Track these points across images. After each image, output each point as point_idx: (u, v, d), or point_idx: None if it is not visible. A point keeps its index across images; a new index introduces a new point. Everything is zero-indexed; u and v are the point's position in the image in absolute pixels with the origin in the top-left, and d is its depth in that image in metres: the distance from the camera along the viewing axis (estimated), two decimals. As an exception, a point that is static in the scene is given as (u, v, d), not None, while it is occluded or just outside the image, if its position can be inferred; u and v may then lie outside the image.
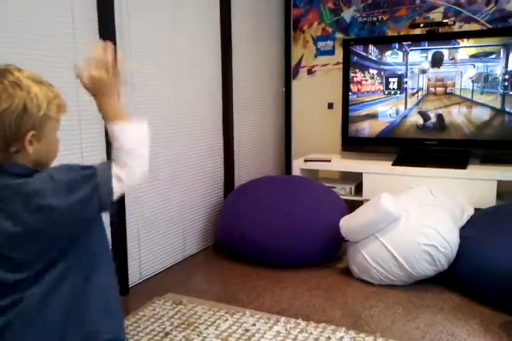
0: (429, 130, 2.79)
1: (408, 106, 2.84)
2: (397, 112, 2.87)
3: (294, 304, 1.98)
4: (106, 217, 1.95)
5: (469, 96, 2.67)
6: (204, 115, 2.61)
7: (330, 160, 2.94)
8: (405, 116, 2.85)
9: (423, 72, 2.77)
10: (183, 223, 2.49)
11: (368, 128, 2.95)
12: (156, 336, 1.70)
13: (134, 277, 2.16)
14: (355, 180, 2.90)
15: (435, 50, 2.73)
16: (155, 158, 2.23)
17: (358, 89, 2.95)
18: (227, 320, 1.83)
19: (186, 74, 2.43)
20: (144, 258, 2.22)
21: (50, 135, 0.88)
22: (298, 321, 1.82)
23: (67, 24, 1.75)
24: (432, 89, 2.76)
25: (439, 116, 2.76)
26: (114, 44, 1.90)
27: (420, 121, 2.81)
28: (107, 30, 1.87)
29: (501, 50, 2.57)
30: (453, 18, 2.88)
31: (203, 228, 2.67)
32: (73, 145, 1.81)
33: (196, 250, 2.62)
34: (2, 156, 0.84)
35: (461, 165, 2.61)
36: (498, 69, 2.58)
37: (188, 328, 1.76)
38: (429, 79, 2.76)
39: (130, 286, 2.13)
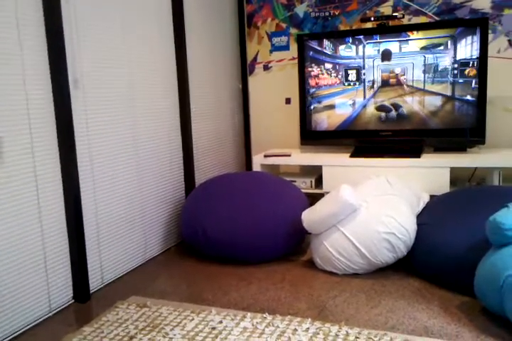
0: (385, 121, 2.85)
1: (364, 98, 2.89)
2: (353, 105, 2.92)
3: (260, 299, 1.99)
4: (62, 221, 1.90)
5: (421, 86, 2.75)
6: (161, 114, 2.57)
7: (290, 155, 2.96)
8: (361, 109, 2.90)
9: (377, 65, 2.83)
10: (143, 224, 2.45)
11: (325, 122, 2.99)
12: (121, 340, 1.67)
13: (95, 282, 2.11)
14: (316, 173, 2.94)
15: (384, 47, 2.79)
16: (113, 159, 2.18)
17: (316, 83, 2.98)
18: (193, 319, 1.82)
19: (139, 75, 2.39)
20: (105, 262, 2.17)
21: None
22: (264, 315, 1.83)
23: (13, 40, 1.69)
24: (386, 81, 2.83)
25: (394, 107, 2.83)
26: (61, 27, 1.85)
27: (376, 112, 2.87)
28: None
29: (449, 41, 2.65)
30: (402, 12, 2.95)
31: (165, 228, 2.64)
32: (22, 125, 1.75)
33: (159, 251, 2.59)
34: None
35: (416, 154, 2.69)
36: (447, 60, 2.67)
37: (153, 330, 1.74)
38: (382, 72, 2.83)
39: (91, 292, 2.08)
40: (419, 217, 2.25)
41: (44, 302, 1.86)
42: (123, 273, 2.30)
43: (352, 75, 2.90)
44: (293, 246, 2.43)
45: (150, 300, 1.98)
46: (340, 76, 2.92)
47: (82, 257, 1.99)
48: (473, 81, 2.62)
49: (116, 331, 1.73)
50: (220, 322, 1.80)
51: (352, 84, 2.91)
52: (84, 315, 1.89)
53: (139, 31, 2.38)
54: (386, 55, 2.80)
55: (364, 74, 2.87)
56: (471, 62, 2.62)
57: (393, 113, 2.83)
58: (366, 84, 2.87)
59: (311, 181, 2.89)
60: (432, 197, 2.43)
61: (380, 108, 2.87)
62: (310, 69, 2.97)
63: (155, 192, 2.53)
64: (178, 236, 2.75)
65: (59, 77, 1.85)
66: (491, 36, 2.73)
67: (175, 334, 1.71)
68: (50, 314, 1.89)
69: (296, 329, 1.73)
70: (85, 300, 2.00)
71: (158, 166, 2.55)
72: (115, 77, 2.21)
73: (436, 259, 2.02)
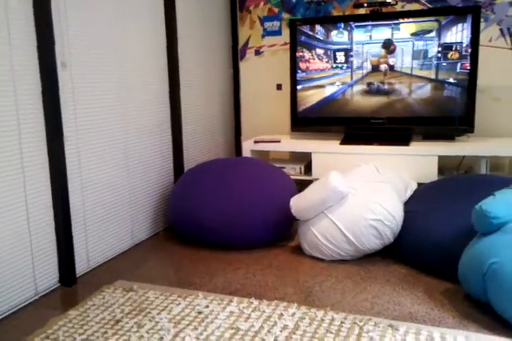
0: (374, 108, 2.85)
1: (354, 85, 2.88)
2: (343, 91, 2.91)
3: (247, 284, 2.00)
4: (49, 204, 1.88)
5: (411, 73, 2.74)
6: (150, 98, 2.54)
7: (279, 141, 2.95)
8: (351, 95, 2.89)
9: (368, 50, 2.81)
10: (131, 209, 2.44)
11: (316, 108, 2.98)
12: (107, 324, 1.67)
13: (81, 266, 2.10)
14: (305, 159, 2.94)
15: (383, 36, 2.77)
16: (101, 143, 2.16)
17: (307, 68, 2.96)
18: (179, 303, 1.82)
19: (129, 58, 2.35)
20: (92, 247, 2.16)
21: None
22: (251, 300, 1.84)
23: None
24: (376, 66, 2.82)
25: (383, 94, 2.82)
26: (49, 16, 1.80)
27: (366, 99, 2.86)
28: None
29: (442, 28, 2.64)
30: (395, -2, 2.93)
31: (152, 213, 2.63)
32: (10, 135, 1.72)
33: (146, 236, 2.59)
34: None
35: (405, 142, 2.69)
36: (437, 47, 2.66)
37: (139, 314, 1.74)
38: (372, 57, 2.81)
39: (78, 276, 2.08)
40: (407, 204, 2.27)
41: (30, 286, 1.85)
42: (110, 257, 2.29)
43: (340, 57, 2.88)
44: (281, 232, 2.43)
45: (137, 284, 1.98)
46: (330, 61, 2.90)
47: (69, 241, 1.98)
48: (465, 69, 2.62)
49: (102, 315, 1.73)
50: (207, 306, 1.80)
51: (340, 67, 2.89)
52: (70, 298, 1.89)
53: (129, 13, 2.33)
54: (387, 45, 2.78)
55: (352, 56, 2.85)
56: (462, 50, 2.62)
57: (383, 99, 2.83)
58: (355, 68, 2.86)
59: (301, 168, 2.89)
60: (419, 185, 2.45)
61: (370, 94, 2.86)
62: (301, 54, 2.95)
63: (143, 176, 2.51)
64: (167, 220, 2.74)
65: (47, 59, 1.82)
66: (482, 25, 2.72)
67: (161, 318, 1.71)
68: (36, 297, 1.88)
69: (282, 314, 1.74)
70: (71, 283, 1.99)
71: (147, 150, 2.53)
72: (104, 58, 2.17)
73: (422, 246, 2.03)
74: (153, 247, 2.47)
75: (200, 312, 1.76)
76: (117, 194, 2.31)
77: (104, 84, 2.18)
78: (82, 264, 2.11)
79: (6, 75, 1.69)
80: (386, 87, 2.81)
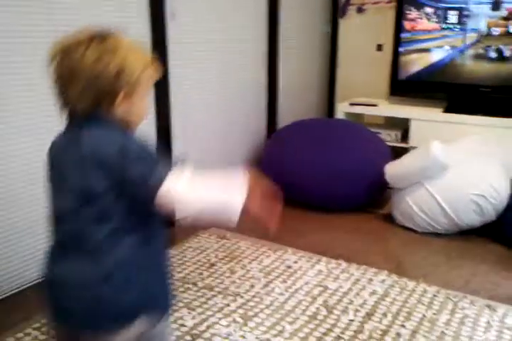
0: (485, 75, 2.62)
1: (465, 49, 2.65)
2: (451, 55, 2.69)
3: (336, 246, 1.99)
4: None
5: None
6: (249, 53, 2.50)
7: (376, 105, 2.83)
8: (461, 60, 2.67)
9: (482, 10, 2.55)
10: (226, 160, 2.46)
11: (419, 73, 2.80)
12: (202, 266, 1.75)
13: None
14: (401, 126, 2.80)
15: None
16: (202, 92, 2.17)
17: (412, 28, 2.76)
18: (269, 256, 1.86)
19: (232, 14, 2.30)
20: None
21: (139, 99, 0.95)
22: (339, 262, 1.84)
23: None
24: (492, 29, 2.56)
25: (497, 60, 2.58)
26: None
27: (476, 64, 2.64)
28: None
29: None
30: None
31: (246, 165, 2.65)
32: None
33: (236, 189, 2.62)
34: (91, 111, 0.92)
35: (516, 114, 2.47)
36: None
37: (232, 261, 1.80)
38: (489, 18, 2.55)
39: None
40: (515, 182, 2.11)
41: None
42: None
43: (453, 18, 2.64)
44: (372, 198, 2.37)
45: (230, 233, 2.04)
46: (438, 21, 2.67)
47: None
48: None
49: (198, 257, 1.81)
50: (296, 262, 1.83)
51: (452, 28, 2.66)
52: (169, 239, 1.98)
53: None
54: (496, 3, 2.51)
55: (466, 16, 2.60)
56: None
57: (496, 66, 2.58)
58: (469, 31, 2.61)
59: (397, 134, 2.77)
60: (530, 163, 2.26)
61: (482, 59, 2.62)
62: (408, 12, 2.73)
63: (238, 130, 2.52)
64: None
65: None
66: None
67: (252, 268, 1.76)
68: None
69: (371, 279, 1.73)
70: (169, 226, 2.08)
71: (244, 104, 2.52)
72: (209, 12, 2.15)
73: (529, 228, 1.90)
74: (241, 200, 2.51)
75: (289, 267, 1.79)
76: (213, 147, 2.34)
77: (206, 37, 2.17)
78: (177, 209, 2.19)
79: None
80: (502, 52, 2.56)
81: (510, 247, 1.99)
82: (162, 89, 1.92)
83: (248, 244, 1.95)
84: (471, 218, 2.02)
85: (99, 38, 0.91)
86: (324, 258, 1.86)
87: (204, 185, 0.87)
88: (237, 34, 2.38)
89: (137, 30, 1.79)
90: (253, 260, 1.82)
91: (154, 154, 0.90)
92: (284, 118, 2.83)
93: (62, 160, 0.92)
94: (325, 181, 2.28)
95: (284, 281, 1.69)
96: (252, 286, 1.65)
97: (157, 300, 0.93)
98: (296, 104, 3.02)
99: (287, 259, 1.84)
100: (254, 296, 1.59)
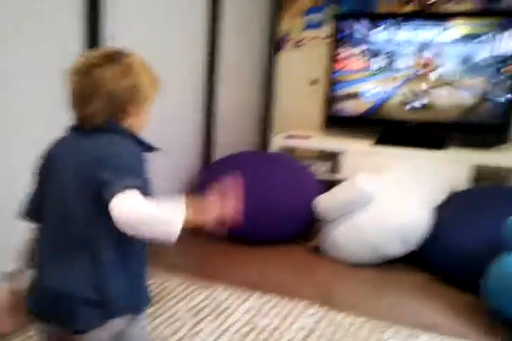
0: (412, 111, 2.79)
1: (392, 87, 2.82)
2: (381, 92, 2.85)
3: (267, 280, 2.00)
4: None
5: (452, 79, 2.66)
6: (186, 83, 2.53)
7: (310, 138, 2.93)
8: (389, 97, 2.83)
9: (411, 51, 2.74)
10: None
11: (350, 107, 2.93)
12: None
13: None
14: (334, 158, 2.90)
15: (422, 33, 2.68)
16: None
17: (345, 65, 2.90)
18: (199, 294, 1.85)
19: (169, 38, 2.34)
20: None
21: (145, 113, 1.07)
22: (270, 296, 1.85)
23: None
24: (419, 70, 2.74)
25: (423, 98, 2.75)
26: None
27: (403, 102, 2.80)
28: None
29: (491, 32, 2.54)
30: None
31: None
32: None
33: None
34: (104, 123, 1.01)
35: (439, 147, 2.63)
36: (486, 52, 2.57)
37: (158, 302, 1.76)
38: (416, 60, 2.73)
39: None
40: (436, 212, 2.22)
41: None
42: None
43: (382, 58, 2.81)
44: (303, 230, 2.42)
45: (157, 273, 2.00)
46: (370, 60, 2.84)
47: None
48: (508, 78, 2.53)
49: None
50: (226, 299, 1.82)
51: (376, 69, 2.82)
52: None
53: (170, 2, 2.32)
54: (424, 44, 2.70)
55: (391, 58, 2.78)
56: (508, 57, 2.52)
57: (421, 104, 2.76)
58: (396, 70, 2.79)
59: (329, 166, 2.86)
60: (451, 192, 2.39)
61: (407, 97, 2.79)
62: (342, 50, 2.88)
63: (171, 162, 2.51)
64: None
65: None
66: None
67: (180, 309, 1.74)
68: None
69: (301, 313, 1.75)
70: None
71: (177, 135, 2.53)
72: (148, 36, 2.17)
73: (448, 256, 2.00)
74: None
75: (219, 305, 1.78)
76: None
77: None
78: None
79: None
80: (426, 91, 2.74)
81: (431, 275, 2.08)
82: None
83: (177, 282, 1.93)
84: (395, 248, 2.10)
85: (116, 58, 1.00)
86: (256, 293, 1.87)
87: (150, 205, 0.92)
88: (175, 65, 2.41)
89: (75, 53, 1.77)
90: (181, 299, 1.80)
91: (140, 170, 0.99)
92: (219, 152, 2.87)
93: (75, 162, 0.97)
94: (256, 214, 2.30)
95: (213, 321, 1.68)
96: (179, 328, 1.62)
97: (137, 300, 0.98)
98: (233, 137, 3.07)
99: (217, 297, 1.83)
100: (180, 339, 1.57)
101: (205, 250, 2.30)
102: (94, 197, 0.91)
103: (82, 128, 1.01)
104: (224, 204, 1.01)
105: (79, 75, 0.99)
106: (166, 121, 2.40)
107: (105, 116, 0.99)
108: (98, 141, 0.98)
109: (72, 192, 0.96)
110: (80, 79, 0.99)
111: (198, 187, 2.57)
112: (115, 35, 1.96)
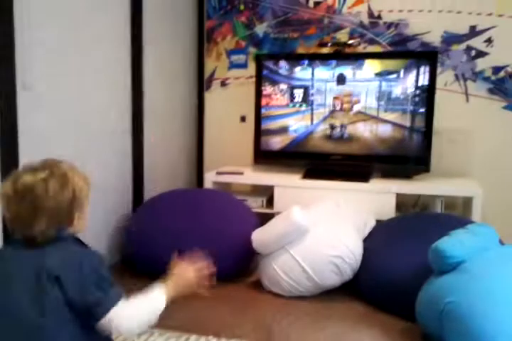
0: (336, 145, 2.91)
1: (315, 121, 2.94)
2: (305, 127, 2.96)
3: (205, 321, 1.94)
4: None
5: (374, 113, 2.83)
6: (113, 124, 2.50)
7: (242, 173, 2.96)
8: (312, 131, 2.95)
9: (330, 88, 2.90)
10: (85, 238, 2.33)
11: (278, 142, 3.02)
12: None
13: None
14: (267, 192, 2.94)
15: (339, 72, 2.86)
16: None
17: (270, 103, 3.00)
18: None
19: (92, 84, 2.31)
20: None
21: (85, 212, 1.09)
22: (208, 338, 1.78)
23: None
24: (339, 106, 2.90)
25: (345, 132, 2.90)
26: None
27: (326, 136, 2.93)
28: None
29: (402, 71, 2.76)
30: (358, 39, 3.06)
31: (106, 244, 2.53)
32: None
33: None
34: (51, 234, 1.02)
35: (364, 178, 2.75)
36: (399, 89, 2.78)
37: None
38: (335, 96, 2.89)
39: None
40: (365, 241, 2.29)
41: None
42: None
43: (299, 96, 2.95)
44: (241, 266, 2.40)
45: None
46: (293, 97, 2.96)
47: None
48: (422, 111, 2.74)
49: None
50: (162, 345, 1.73)
51: (299, 105, 2.96)
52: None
53: (93, 38, 2.31)
54: (341, 80, 2.87)
55: (312, 94, 2.92)
56: (420, 93, 2.74)
57: (343, 137, 2.90)
58: (317, 106, 2.92)
59: (263, 201, 2.89)
60: (378, 221, 2.49)
61: (330, 132, 2.92)
62: (265, 88, 2.99)
63: (100, 205, 2.43)
64: (121, 252, 2.64)
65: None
66: (439, 69, 2.86)
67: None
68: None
69: (240, 354, 1.69)
70: None
71: (106, 178, 2.46)
72: (66, 82, 2.13)
73: (379, 284, 2.05)
74: (107, 280, 2.37)
75: (155, 352, 1.69)
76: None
77: (63, 108, 2.13)
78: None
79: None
80: (347, 125, 2.89)
81: (367, 303, 2.12)
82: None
83: (110, 330, 1.81)
84: (331, 278, 2.13)
85: (48, 171, 0.99)
86: (193, 336, 1.80)
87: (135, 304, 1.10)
88: (101, 112, 2.37)
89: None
90: (114, 349, 1.69)
91: (108, 273, 1.06)
92: (151, 191, 2.81)
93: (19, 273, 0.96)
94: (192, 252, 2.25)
95: (148, 369, 1.58)
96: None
97: None
98: (164, 177, 3.03)
99: (153, 343, 1.74)
100: None
101: (136, 292, 2.19)
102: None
103: (28, 244, 1.00)
104: (194, 268, 1.19)
105: (14, 201, 0.97)
106: (94, 166, 2.32)
107: (53, 229, 1.00)
108: (50, 254, 0.98)
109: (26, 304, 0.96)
110: (17, 205, 0.97)
111: (130, 226, 2.48)
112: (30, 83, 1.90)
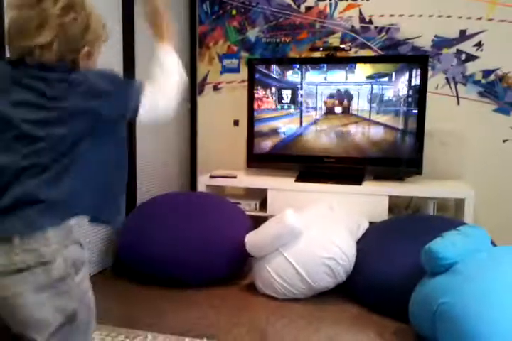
0: (328, 147, 2.92)
1: (307, 124, 2.95)
2: (296, 129, 2.97)
3: (199, 324, 1.93)
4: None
5: (366, 116, 2.85)
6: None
7: (235, 177, 2.96)
8: (305, 134, 2.96)
9: (321, 91, 2.91)
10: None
11: (271, 145, 3.02)
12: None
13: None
14: (260, 195, 2.94)
15: (329, 75, 2.88)
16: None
17: (262, 106, 3.01)
18: (127, 345, 1.73)
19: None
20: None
21: (96, 56, 1.02)
22: (202, 341, 1.78)
23: None
24: (330, 108, 2.91)
25: (337, 134, 2.91)
26: None
27: (319, 138, 2.94)
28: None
29: (393, 74, 2.79)
30: (349, 44, 3.08)
31: (100, 248, 2.52)
32: None
33: (92, 272, 2.46)
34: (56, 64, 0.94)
35: (357, 181, 2.76)
36: (390, 92, 2.80)
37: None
38: (327, 99, 2.90)
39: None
40: (358, 243, 2.30)
41: None
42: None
43: (294, 97, 2.96)
44: (235, 269, 2.40)
45: (81, 325, 1.87)
46: (286, 100, 2.97)
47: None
48: (414, 114, 2.76)
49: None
50: (156, 348, 1.72)
51: (287, 107, 2.97)
52: None
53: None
54: (334, 85, 2.89)
55: (301, 96, 2.93)
56: (412, 96, 2.76)
57: (336, 139, 2.91)
58: (309, 109, 2.94)
59: (256, 204, 2.89)
60: (371, 223, 2.50)
61: (323, 134, 2.93)
62: (258, 92, 3.01)
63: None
64: (115, 256, 2.63)
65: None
66: (430, 73, 2.89)
67: (106, 362, 1.62)
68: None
69: (234, 357, 1.69)
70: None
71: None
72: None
73: (373, 286, 2.06)
74: (99, 284, 2.34)
75: (148, 355, 1.68)
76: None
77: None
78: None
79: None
80: (339, 128, 2.90)
81: (361, 305, 2.12)
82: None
83: (103, 334, 1.80)
84: (325, 280, 2.13)
85: None
86: (187, 339, 1.79)
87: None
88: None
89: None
90: (107, 352, 1.68)
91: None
92: (144, 195, 2.80)
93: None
94: (186, 256, 2.25)
95: (142, 372, 1.58)
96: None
97: None
98: (158, 180, 3.02)
99: (146, 346, 1.73)
100: None
101: (131, 297, 2.18)
102: None
103: (22, 63, 0.92)
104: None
105: (28, 5, 0.89)
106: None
107: (56, 53, 0.92)
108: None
109: None
110: (29, 10, 0.90)
111: (124, 229, 2.47)
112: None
